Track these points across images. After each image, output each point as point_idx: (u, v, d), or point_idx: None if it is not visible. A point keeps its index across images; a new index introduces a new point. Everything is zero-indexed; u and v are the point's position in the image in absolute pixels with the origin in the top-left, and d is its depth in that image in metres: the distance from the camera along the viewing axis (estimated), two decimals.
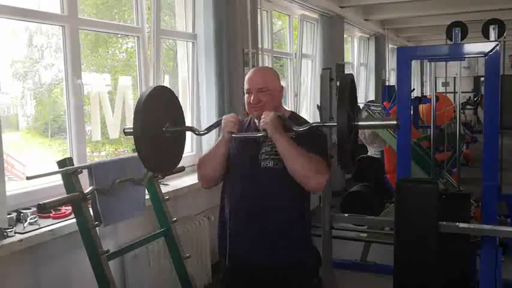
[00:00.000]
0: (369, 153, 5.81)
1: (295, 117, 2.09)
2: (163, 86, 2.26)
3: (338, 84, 1.81)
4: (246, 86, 2.08)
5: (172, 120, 1.98)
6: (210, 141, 3.70)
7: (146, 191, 2.86)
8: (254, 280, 2.06)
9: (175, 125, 2.00)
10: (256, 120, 2.09)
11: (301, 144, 1.91)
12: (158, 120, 1.93)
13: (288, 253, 2.03)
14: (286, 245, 2.02)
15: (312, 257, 2.17)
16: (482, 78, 10.21)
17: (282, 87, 2.17)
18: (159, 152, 1.94)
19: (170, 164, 2.09)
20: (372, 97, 9.07)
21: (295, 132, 1.92)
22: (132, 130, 1.82)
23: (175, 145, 2.05)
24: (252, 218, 2.01)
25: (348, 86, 1.79)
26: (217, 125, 2.08)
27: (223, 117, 2.04)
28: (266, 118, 1.91)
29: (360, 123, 1.85)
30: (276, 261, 2.02)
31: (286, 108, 2.26)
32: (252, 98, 2.03)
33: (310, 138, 1.96)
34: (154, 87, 2.00)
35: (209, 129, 2.10)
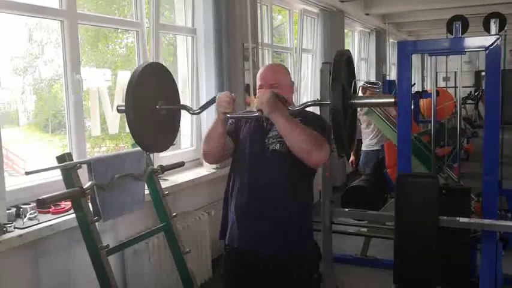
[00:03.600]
0: (363, 147, 5.68)
1: (303, 113, 2.09)
2: (157, 62, 2.21)
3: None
4: (258, 82, 2.12)
5: (166, 98, 1.95)
6: None
7: (146, 186, 2.85)
8: (254, 269, 2.06)
9: (170, 103, 1.97)
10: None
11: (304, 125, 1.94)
12: (151, 98, 1.89)
13: (288, 235, 2.02)
14: (287, 227, 2.02)
15: (312, 247, 2.17)
16: (483, 73, 10.18)
17: (293, 82, 2.20)
18: (151, 130, 1.91)
19: (164, 143, 2.07)
20: None
21: (291, 112, 1.93)
22: (124, 107, 1.80)
23: (169, 124, 2.02)
24: (255, 199, 2.02)
25: (344, 61, 1.76)
26: (211, 103, 2.04)
27: (217, 95, 2.01)
28: (262, 98, 1.91)
29: (356, 101, 1.85)
30: (275, 245, 2.01)
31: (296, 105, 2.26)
32: None
33: (311, 121, 2.01)
34: (148, 63, 1.96)
35: (203, 108, 2.08)
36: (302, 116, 2.02)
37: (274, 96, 1.91)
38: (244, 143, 2.10)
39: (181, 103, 2.14)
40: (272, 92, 1.92)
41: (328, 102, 1.73)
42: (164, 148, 2.14)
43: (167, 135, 2.07)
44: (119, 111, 1.87)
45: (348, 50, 1.96)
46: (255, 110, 1.93)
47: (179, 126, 2.14)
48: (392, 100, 1.81)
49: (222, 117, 1.99)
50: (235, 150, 2.13)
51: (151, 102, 1.91)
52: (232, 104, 1.99)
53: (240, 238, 2.07)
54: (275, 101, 1.90)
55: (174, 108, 2.05)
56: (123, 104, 1.80)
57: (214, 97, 2.01)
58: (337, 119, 1.67)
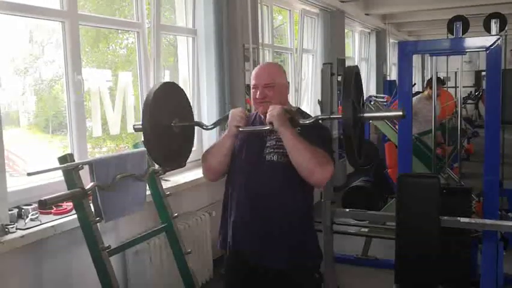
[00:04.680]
0: None
1: (300, 113, 2.09)
2: (172, 82, 2.28)
3: (342, 78, 1.82)
4: (252, 82, 2.09)
5: (180, 115, 2.01)
6: (211, 136, 3.70)
7: (147, 186, 2.86)
8: (254, 275, 2.06)
9: (184, 120, 2.02)
10: (262, 115, 2.09)
11: (306, 138, 1.92)
12: (166, 116, 1.95)
13: (288, 246, 2.02)
14: (287, 237, 2.01)
15: (314, 251, 2.17)
16: (483, 73, 10.17)
17: (288, 82, 2.18)
18: (167, 147, 1.96)
19: (179, 160, 2.12)
20: (373, 92, 9.06)
21: (301, 125, 1.94)
22: (141, 126, 1.85)
23: (184, 140, 2.08)
24: (254, 210, 2.01)
25: (353, 77, 1.79)
26: (224, 119, 2.09)
27: (231, 111, 2.05)
28: (273, 111, 1.92)
29: (365, 114, 1.86)
30: (277, 256, 2.01)
31: (292, 105, 2.26)
32: (258, 93, 2.03)
33: (313, 131, 1.99)
34: (163, 83, 2.02)
35: (216, 124, 2.13)
36: (303, 120, 1.98)
37: (285, 111, 1.93)
38: (240, 153, 2.07)
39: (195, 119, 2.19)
40: (282, 107, 1.94)
41: (340, 116, 1.78)
42: (180, 164, 2.18)
43: (182, 151, 2.12)
44: (135, 130, 1.93)
45: (356, 66, 1.98)
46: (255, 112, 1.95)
47: (193, 142, 2.18)
48: (401, 113, 1.80)
49: (234, 131, 2.00)
50: (231, 161, 2.10)
51: (167, 120, 1.96)
52: (245, 119, 2.01)
53: (242, 251, 2.07)
54: (285, 116, 1.92)
55: (189, 125, 2.09)
56: (139, 123, 1.86)
57: (227, 114, 2.05)
58: (349, 134, 1.72)
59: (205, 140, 3.96)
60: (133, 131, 2.08)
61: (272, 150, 2.01)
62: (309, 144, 1.90)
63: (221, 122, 2.13)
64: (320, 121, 2.01)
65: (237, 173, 2.08)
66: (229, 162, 2.08)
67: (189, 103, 2.15)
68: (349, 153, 1.78)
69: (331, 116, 2.11)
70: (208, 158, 2.09)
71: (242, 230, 2.05)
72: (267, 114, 1.95)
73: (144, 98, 1.93)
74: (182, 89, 2.11)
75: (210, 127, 2.13)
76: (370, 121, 5.67)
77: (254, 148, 2.05)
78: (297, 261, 2.05)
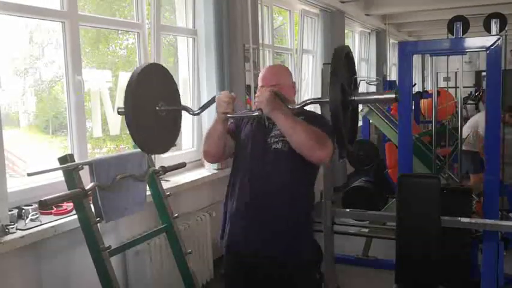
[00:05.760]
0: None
1: (304, 113, 2.10)
2: (157, 63, 2.22)
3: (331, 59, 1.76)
4: (259, 84, 2.12)
5: (166, 99, 1.95)
6: None
7: (147, 187, 2.86)
8: (255, 270, 2.06)
9: (170, 104, 1.97)
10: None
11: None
12: (151, 99, 1.89)
13: (289, 233, 2.02)
14: (288, 226, 2.02)
15: (312, 247, 2.17)
16: (483, 73, 10.16)
17: (294, 83, 2.20)
18: (152, 132, 1.91)
19: (164, 145, 2.07)
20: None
21: (292, 110, 1.93)
22: (123, 109, 1.80)
23: (170, 125, 2.03)
24: (257, 198, 2.02)
25: (343, 57, 1.75)
26: (211, 103, 2.06)
27: (216, 96, 2.02)
28: (261, 97, 1.92)
29: (356, 97, 1.82)
30: (276, 246, 2.01)
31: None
32: None
33: (312, 119, 2.02)
34: (148, 64, 1.96)
35: (203, 109, 2.10)
36: (303, 115, 2.02)
37: (274, 95, 1.92)
38: (245, 143, 2.10)
39: (182, 104, 2.14)
40: (271, 90, 1.93)
41: (327, 99, 1.70)
42: (165, 150, 2.14)
43: (168, 137, 2.07)
44: (119, 113, 1.87)
45: (348, 46, 1.95)
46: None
47: (180, 127, 2.14)
48: (393, 96, 1.76)
49: (221, 117, 2.00)
50: (237, 150, 2.13)
51: (151, 103, 1.91)
52: (232, 103, 2.00)
53: (240, 239, 2.07)
54: (274, 100, 1.91)
55: (175, 109, 2.04)
56: (124, 106, 1.80)
57: (214, 97, 2.03)
58: (337, 115, 1.65)
59: (205, 131, 3.96)
60: None
61: (277, 139, 2.02)
62: (306, 124, 1.91)
63: (207, 106, 2.10)
64: (311, 105, 1.97)
65: (242, 161, 2.10)
66: (226, 146, 2.09)
67: (176, 87, 2.09)
68: (338, 138, 1.74)
69: (320, 100, 2.02)
70: (204, 143, 2.12)
71: (243, 218, 2.05)
72: (255, 100, 1.95)
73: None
74: (168, 71, 2.06)
75: (196, 112, 2.10)
76: (370, 121, 5.67)
77: (259, 138, 2.06)
78: (297, 252, 2.05)
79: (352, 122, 1.94)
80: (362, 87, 8.83)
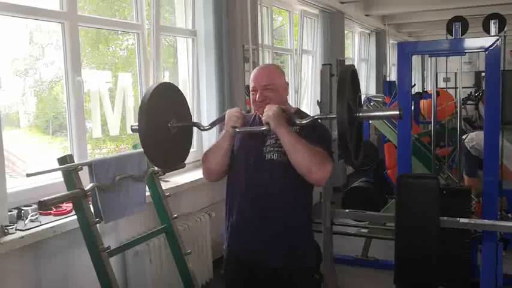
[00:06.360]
0: None
1: (299, 114, 2.10)
2: (169, 82, 2.28)
3: (338, 78, 1.81)
4: (251, 84, 2.09)
5: (177, 116, 2.00)
6: (211, 137, 3.70)
7: (147, 187, 2.86)
8: (254, 275, 2.06)
9: (181, 121, 2.02)
10: (261, 117, 2.09)
11: (305, 137, 1.92)
12: (163, 116, 1.94)
13: (288, 244, 2.02)
14: (287, 236, 2.01)
15: (312, 251, 2.17)
16: (483, 74, 10.18)
17: (287, 83, 2.17)
18: (165, 148, 1.95)
19: (177, 160, 2.12)
20: (372, 93, 9.06)
21: (297, 124, 1.94)
22: (137, 127, 1.84)
23: (181, 141, 2.07)
24: (254, 209, 2.02)
25: (348, 76, 1.77)
26: (221, 119, 2.09)
27: (227, 111, 2.05)
28: (269, 112, 1.92)
29: (361, 114, 1.84)
30: (275, 252, 2.01)
31: (292, 106, 2.26)
32: (257, 95, 2.04)
33: (312, 131, 1.99)
34: (159, 84, 2.01)
35: (213, 124, 2.12)
36: (300, 119, 1.98)
37: (281, 111, 1.92)
38: (239, 153, 2.08)
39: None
40: (279, 106, 1.94)
41: (335, 116, 1.73)
42: (177, 166, 2.20)
43: (180, 152, 2.11)
44: (133, 130, 1.91)
45: (352, 65, 1.98)
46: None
47: (191, 143, 2.18)
48: (397, 112, 1.76)
49: (231, 131, 2.00)
50: (231, 160, 2.10)
51: (164, 120, 1.95)
52: (241, 119, 2.01)
53: (241, 249, 2.08)
54: (282, 115, 1.92)
55: (185, 125, 2.08)
56: (137, 123, 1.85)
57: (224, 114, 2.05)
58: (344, 133, 1.69)
59: (205, 140, 3.96)
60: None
61: (272, 149, 2.01)
62: (307, 143, 1.90)
63: (218, 122, 2.13)
64: (319, 120, 2.01)
65: (237, 172, 2.08)
66: (228, 163, 2.08)
67: (187, 103, 2.14)
68: (344, 154, 1.77)
69: (328, 116, 2.06)
70: (207, 159, 2.10)
71: (242, 229, 2.05)
72: (263, 114, 1.95)
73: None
74: (179, 89, 2.10)
75: (207, 128, 2.12)
76: (370, 122, 5.68)
77: (254, 148, 2.05)
78: (297, 258, 2.05)
79: (357, 137, 1.95)
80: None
